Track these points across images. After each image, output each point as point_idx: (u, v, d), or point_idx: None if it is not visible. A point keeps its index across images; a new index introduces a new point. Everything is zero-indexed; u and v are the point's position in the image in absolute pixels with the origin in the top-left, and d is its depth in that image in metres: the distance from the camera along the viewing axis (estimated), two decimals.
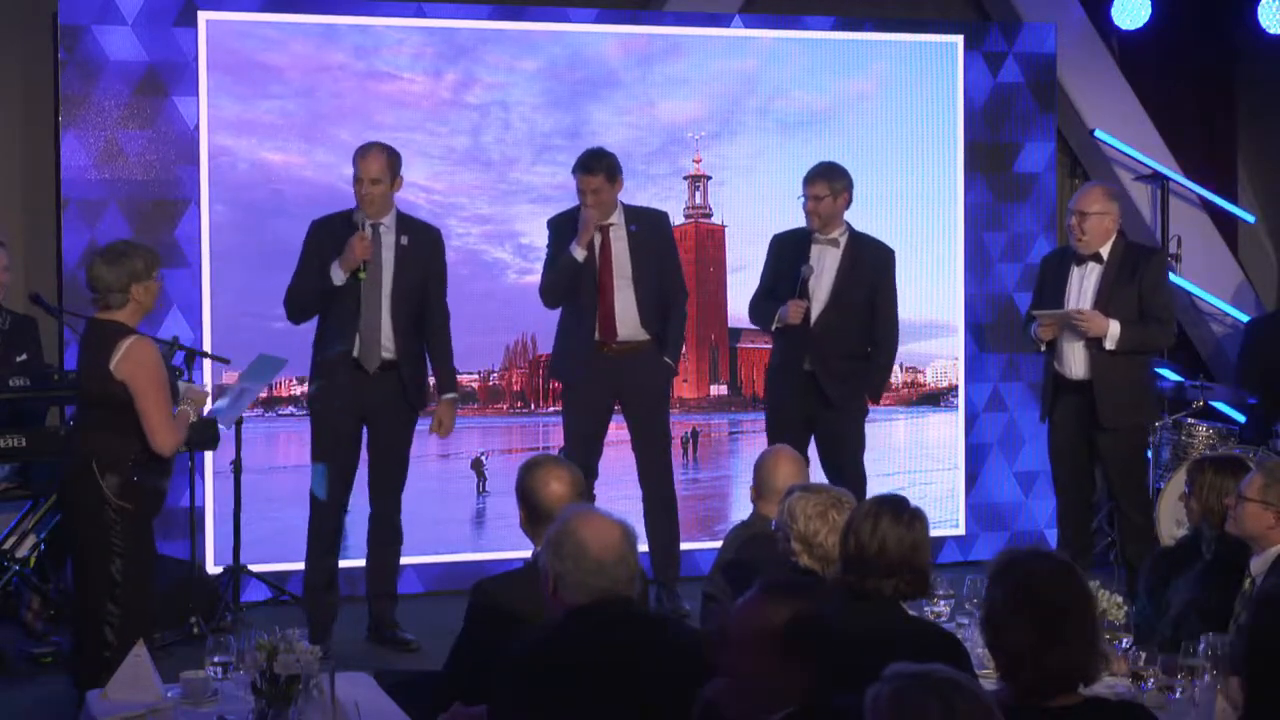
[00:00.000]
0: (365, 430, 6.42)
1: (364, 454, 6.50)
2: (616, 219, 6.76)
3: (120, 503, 4.94)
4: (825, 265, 6.75)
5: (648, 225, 6.84)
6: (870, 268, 6.80)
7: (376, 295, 6.30)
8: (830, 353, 6.71)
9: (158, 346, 5.14)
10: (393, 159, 6.33)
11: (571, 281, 6.68)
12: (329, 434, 6.37)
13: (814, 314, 6.70)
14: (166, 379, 5.04)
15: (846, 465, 6.69)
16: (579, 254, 6.64)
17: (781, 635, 2.93)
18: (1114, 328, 6.53)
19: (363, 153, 6.32)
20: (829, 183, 6.71)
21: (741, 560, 4.77)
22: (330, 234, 6.33)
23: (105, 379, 4.93)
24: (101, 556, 4.97)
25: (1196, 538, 5.03)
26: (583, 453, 6.65)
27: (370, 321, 6.29)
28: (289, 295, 6.39)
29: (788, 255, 6.82)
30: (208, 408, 6.74)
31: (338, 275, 6.21)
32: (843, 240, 6.79)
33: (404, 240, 6.37)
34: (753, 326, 7.71)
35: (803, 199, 6.75)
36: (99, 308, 5.05)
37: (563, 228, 6.79)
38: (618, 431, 6.96)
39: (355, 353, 6.28)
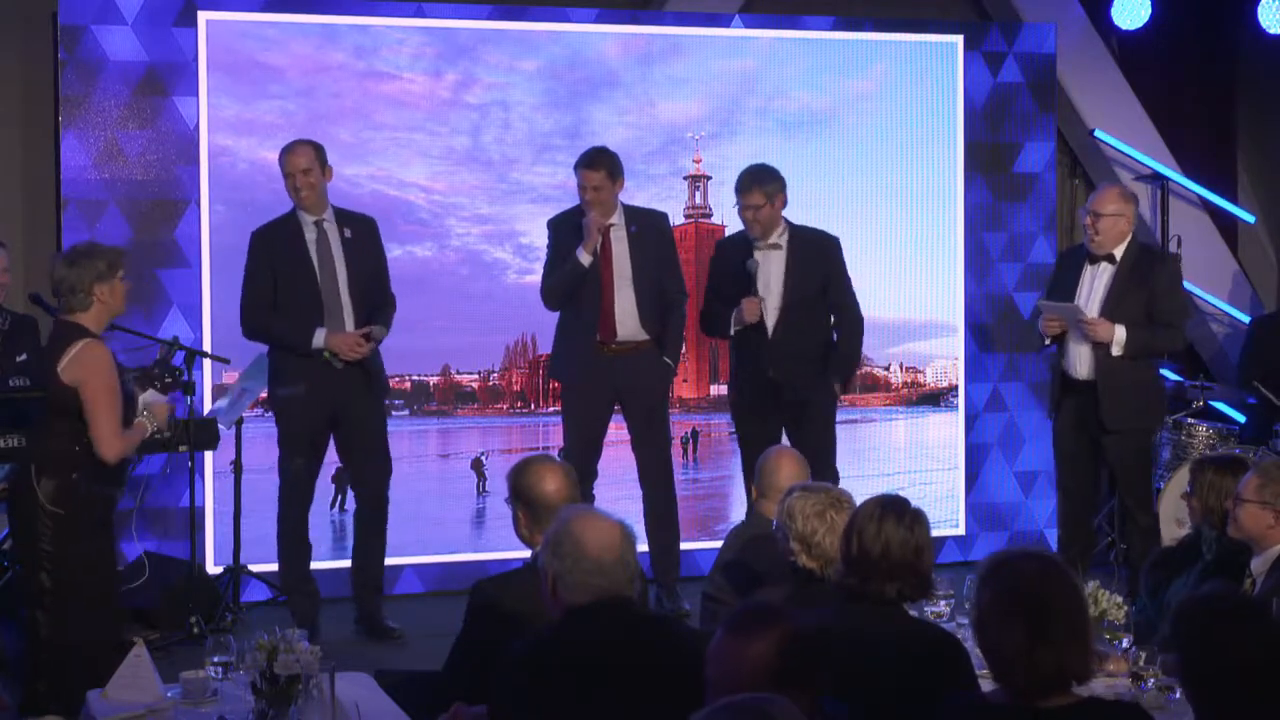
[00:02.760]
0: (331, 428, 6.48)
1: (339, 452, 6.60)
2: (616, 219, 6.76)
3: (53, 508, 4.85)
4: (772, 271, 6.69)
5: (647, 226, 6.85)
6: (817, 261, 6.75)
7: (335, 291, 6.37)
8: (792, 356, 6.66)
9: (112, 352, 4.99)
10: (318, 150, 6.43)
11: (576, 286, 6.69)
12: (299, 434, 6.43)
13: (770, 322, 6.66)
14: (116, 385, 4.92)
15: (821, 471, 6.60)
16: (585, 259, 6.63)
17: (774, 672, 2.80)
18: (1120, 333, 6.53)
19: (287, 150, 6.42)
20: (763, 189, 6.64)
21: (742, 560, 4.77)
22: (275, 242, 6.41)
23: (53, 380, 4.87)
24: (33, 563, 4.90)
25: (1197, 537, 5.03)
26: (582, 453, 6.65)
27: (333, 318, 6.35)
28: (245, 314, 6.42)
29: (733, 260, 6.76)
30: (213, 411, 6.76)
31: (319, 338, 6.29)
32: (784, 240, 6.74)
33: (347, 233, 6.44)
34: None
35: (738, 207, 6.69)
36: (64, 311, 4.99)
37: (562, 228, 6.79)
38: (617, 432, 6.96)
39: (324, 352, 6.33)
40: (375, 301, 6.48)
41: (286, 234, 6.40)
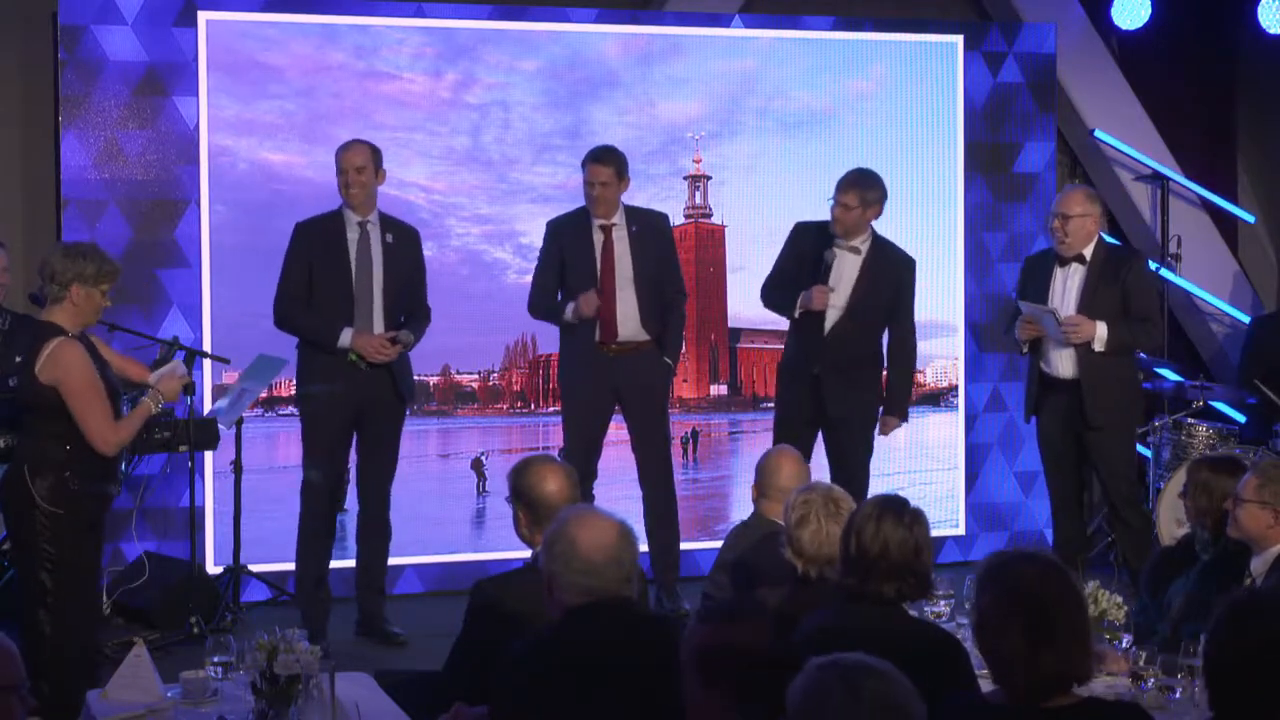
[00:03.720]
0: (355, 427, 6.46)
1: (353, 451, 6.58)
2: (618, 219, 6.76)
3: (51, 508, 4.85)
4: (844, 273, 6.64)
5: (648, 226, 6.85)
6: (892, 278, 6.72)
7: (368, 292, 6.36)
8: (842, 358, 6.64)
9: (83, 348, 4.93)
10: (375, 152, 6.43)
11: (555, 322, 6.77)
12: (325, 433, 6.40)
13: (829, 321, 6.64)
14: (95, 378, 4.89)
15: (852, 475, 6.60)
16: (570, 318, 6.66)
17: (697, 660, 2.96)
18: (1102, 330, 6.54)
19: (345, 146, 6.43)
20: (861, 193, 6.58)
21: (742, 560, 4.78)
22: (316, 237, 6.40)
23: (32, 382, 4.85)
24: (32, 563, 4.89)
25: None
26: (583, 454, 6.65)
27: (363, 320, 6.33)
28: (277, 304, 6.42)
29: (810, 245, 6.70)
30: (213, 411, 6.75)
31: (346, 337, 6.28)
32: (865, 248, 6.67)
33: (389, 238, 6.43)
34: (754, 326, 7.71)
35: (831, 203, 6.64)
36: (42, 302, 4.98)
37: (561, 231, 6.79)
38: (617, 431, 6.96)
39: (350, 353, 6.31)
40: (410, 309, 6.48)
41: (328, 230, 6.38)
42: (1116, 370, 6.64)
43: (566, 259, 6.75)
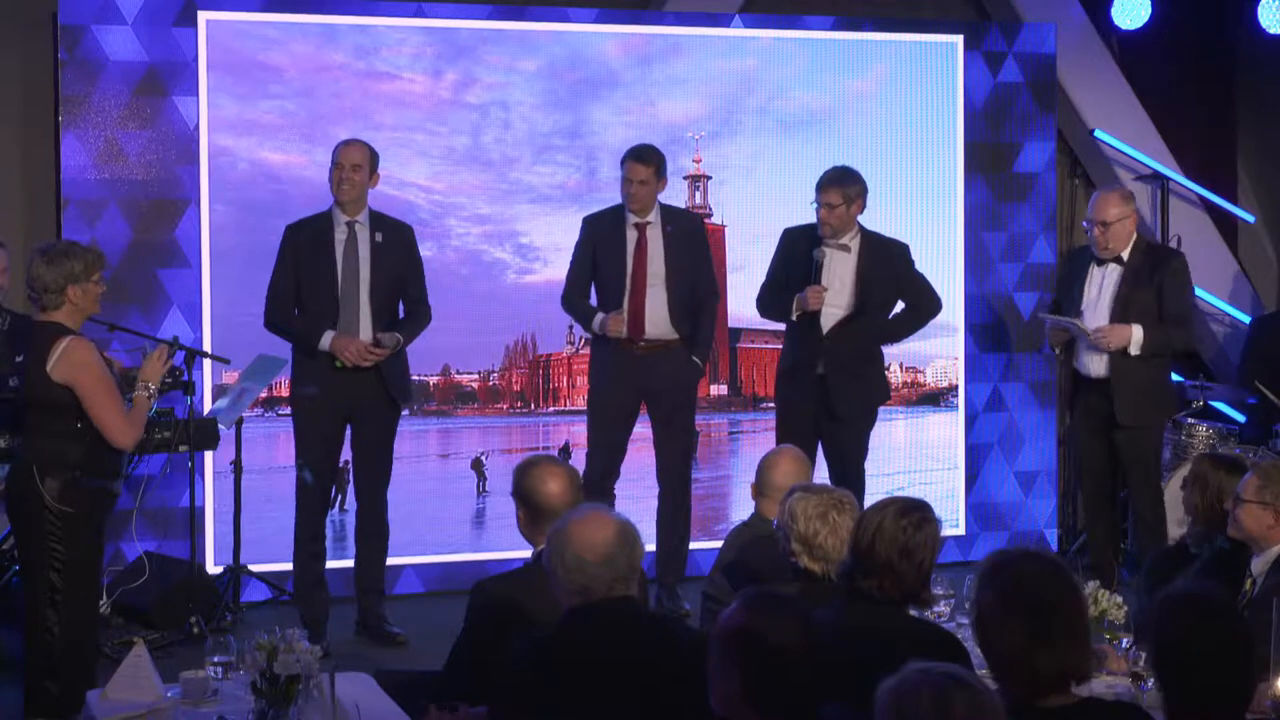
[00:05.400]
0: (349, 428, 6.45)
1: (348, 452, 6.57)
2: (653, 218, 6.77)
3: (61, 507, 4.86)
4: (839, 273, 6.64)
5: (683, 227, 6.86)
6: (891, 267, 6.73)
7: (354, 293, 6.34)
8: (844, 356, 6.63)
9: (95, 345, 4.99)
10: (373, 155, 6.43)
11: (583, 325, 6.84)
12: (313, 435, 6.40)
13: (827, 322, 6.61)
14: (108, 374, 4.93)
15: (848, 474, 6.60)
16: (597, 330, 6.68)
17: (721, 640, 3.02)
18: (1138, 334, 6.53)
19: (345, 142, 6.44)
20: (842, 190, 6.59)
21: (742, 560, 4.77)
22: (305, 238, 6.39)
23: (44, 383, 4.86)
24: (41, 563, 4.90)
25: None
26: (606, 451, 6.66)
27: (349, 320, 6.32)
28: (267, 306, 6.42)
29: (800, 249, 6.71)
30: (213, 411, 6.75)
31: (326, 340, 6.27)
32: (854, 244, 6.68)
33: (378, 237, 6.41)
34: (754, 326, 7.72)
35: (815, 205, 6.65)
36: (38, 308, 4.99)
37: (595, 226, 6.81)
38: (636, 428, 6.93)
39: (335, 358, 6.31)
40: (409, 309, 6.46)
41: (316, 231, 6.37)
42: (1147, 370, 6.62)
43: (599, 255, 6.76)
